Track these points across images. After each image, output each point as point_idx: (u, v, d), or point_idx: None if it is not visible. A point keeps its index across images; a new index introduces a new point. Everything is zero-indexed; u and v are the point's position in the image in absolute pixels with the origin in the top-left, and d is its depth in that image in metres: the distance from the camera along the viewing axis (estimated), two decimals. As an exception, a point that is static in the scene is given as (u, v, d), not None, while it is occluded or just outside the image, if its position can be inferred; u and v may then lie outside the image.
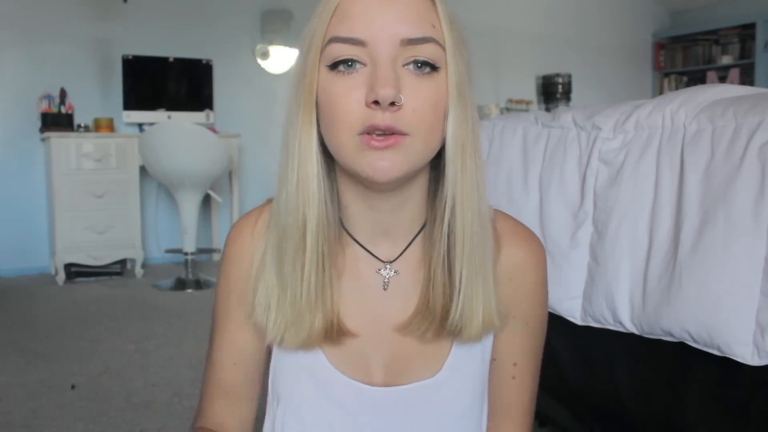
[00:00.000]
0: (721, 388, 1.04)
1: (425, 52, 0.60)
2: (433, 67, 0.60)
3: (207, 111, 4.52)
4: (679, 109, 1.13)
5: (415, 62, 0.60)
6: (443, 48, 0.61)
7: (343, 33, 0.59)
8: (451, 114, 0.62)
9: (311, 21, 0.63)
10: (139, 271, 4.11)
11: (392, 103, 0.58)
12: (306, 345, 0.68)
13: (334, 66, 0.60)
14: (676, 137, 1.11)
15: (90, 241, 3.98)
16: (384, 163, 0.59)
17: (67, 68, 4.26)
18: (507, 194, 1.47)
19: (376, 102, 0.58)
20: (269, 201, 0.71)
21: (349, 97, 0.59)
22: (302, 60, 0.63)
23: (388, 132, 0.59)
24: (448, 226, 0.65)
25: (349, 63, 0.60)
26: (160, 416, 1.94)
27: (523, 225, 0.75)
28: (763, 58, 6.18)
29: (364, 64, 0.60)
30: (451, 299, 0.66)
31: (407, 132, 0.60)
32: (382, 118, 0.58)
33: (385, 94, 0.57)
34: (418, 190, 0.67)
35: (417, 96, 0.60)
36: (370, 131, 0.59)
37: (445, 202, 0.64)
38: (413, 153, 0.61)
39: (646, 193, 1.14)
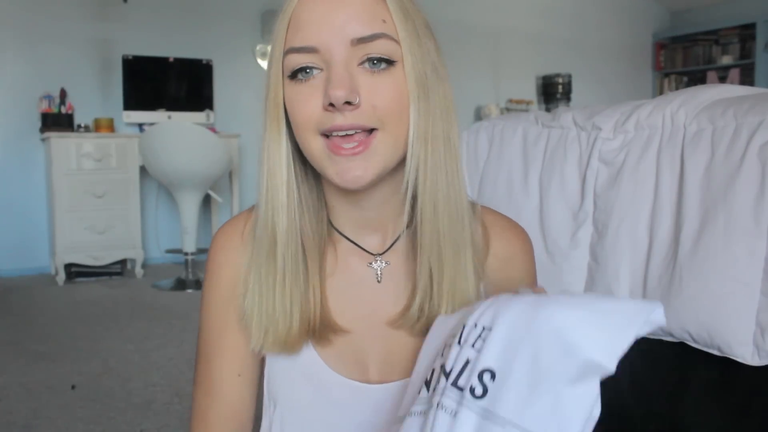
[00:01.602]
0: (721, 388, 1.04)
1: (378, 48, 0.60)
2: (389, 62, 0.60)
3: (207, 111, 4.52)
4: (679, 109, 1.13)
5: (370, 59, 0.60)
6: (397, 42, 0.61)
7: (297, 43, 0.61)
8: (412, 106, 0.61)
9: (272, 34, 0.64)
10: (139, 271, 4.11)
11: (349, 103, 0.59)
12: (286, 349, 0.67)
13: (293, 76, 0.62)
14: (676, 137, 1.11)
15: (90, 241, 3.98)
16: (353, 172, 0.60)
17: (67, 68, 4.26)
18: (507, 194, 1.47)
19: (332, 105, 0.59)
20: (252, 207, 0.72)
21: (308, 103, 0.61)
22: (267, 73, 0.65)
23: (353, 131, 0.60)
24: (410, 218, 0.65)
25: (306, 70, 0.61)
26: (160, 416, 1.94)
27: (508, 218, 0.76)
28: (763, 58, 6.18)
29: (321, 69, 0.60)
30: (416, 292, 0.66)
31: (374, 126, 0.60)
32: (343, 119, 0.59)
33: (337, 95, 0.58)
34: (401, 183, 0.66)
35: (375, 93, 0.60)
36: (331, 132, 0.60)
37: (404, 195, 0.64)
38: (382, 154, 0.61)
39: (646, 193, 1.14)
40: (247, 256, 0.69)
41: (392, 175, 0.65)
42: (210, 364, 0.72)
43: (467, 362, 0.52)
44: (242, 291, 0.68)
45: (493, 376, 0.50)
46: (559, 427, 0.47)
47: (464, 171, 0.59)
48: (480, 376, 0.50)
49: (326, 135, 0.61)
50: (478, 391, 0.50)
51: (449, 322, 0.60)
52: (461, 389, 0.51)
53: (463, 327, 0.54)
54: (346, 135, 0.60)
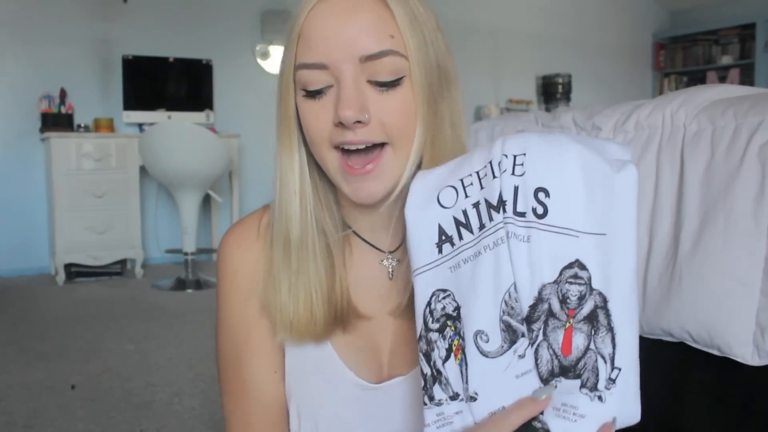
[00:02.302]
0: (721, 388, 1.04)
1: (385, 66, 0.61)
2: (396, 82, 0.62)
3: (207, 111, 4.52)
4: (679, 109, 1.13)
5: (377, 82, 0.62)
6: (405, 57, 0.62)
7: (307, 59, 0.62)
8: (418, 123, 0.63)
9: (284, 46, 0.66)
10: (139, 271, 4.11)
11: (358, 122, 0.60)
12: (314, 338, 0.69)
13: (305, 93, 0.64)
14: (676, 137, 1.11)
15: (90, 241, 3.98)
16: (367, 190, 0.63)
17: (67, 68, 4.26)
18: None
19: (341, 123, 0.61)
20: (265, 207, 0.74)
21: (319, 119, 0.63)
22: (278, 84, 0.67)
23: (363, 146, 0.62)
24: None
25: (319, 90, 0.63)
26: (160, 416, 1.94)
27: None
28: (763, 58, 6.18)
29: (332, 86, 0.62)
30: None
31: (385, 141, 0.62)
32: (354, 135, 0.61)
33: (346, 116, 0.60)
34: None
35: (384, 110, 0.62)
36: (343, 146, 0.62)
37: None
38: (393, 170, 0.63)
39: (646, 193, 1.14)
40: (265, 253, 0.70)
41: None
42: (242, 367, 0.72)
43: (516, 188, 0.53)
44: (263, 286, 0.70)
45: (547, 193, 0.52)
46: (621, 212, 0.51)
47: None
48: (535, 196, 0.52)
49: (339, 147, 0.63)
50: (539, 210, 0.52)
51: (436, 175, 0.59)
52: (523, 214, 0.52)
53: (489, 163, 0.54)
54: (357, 149, 0.62)
